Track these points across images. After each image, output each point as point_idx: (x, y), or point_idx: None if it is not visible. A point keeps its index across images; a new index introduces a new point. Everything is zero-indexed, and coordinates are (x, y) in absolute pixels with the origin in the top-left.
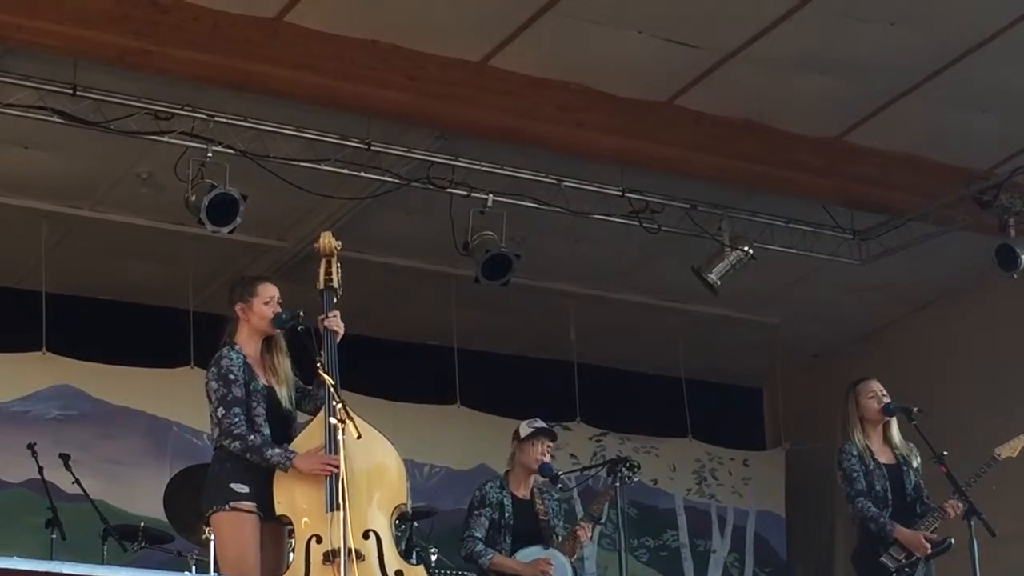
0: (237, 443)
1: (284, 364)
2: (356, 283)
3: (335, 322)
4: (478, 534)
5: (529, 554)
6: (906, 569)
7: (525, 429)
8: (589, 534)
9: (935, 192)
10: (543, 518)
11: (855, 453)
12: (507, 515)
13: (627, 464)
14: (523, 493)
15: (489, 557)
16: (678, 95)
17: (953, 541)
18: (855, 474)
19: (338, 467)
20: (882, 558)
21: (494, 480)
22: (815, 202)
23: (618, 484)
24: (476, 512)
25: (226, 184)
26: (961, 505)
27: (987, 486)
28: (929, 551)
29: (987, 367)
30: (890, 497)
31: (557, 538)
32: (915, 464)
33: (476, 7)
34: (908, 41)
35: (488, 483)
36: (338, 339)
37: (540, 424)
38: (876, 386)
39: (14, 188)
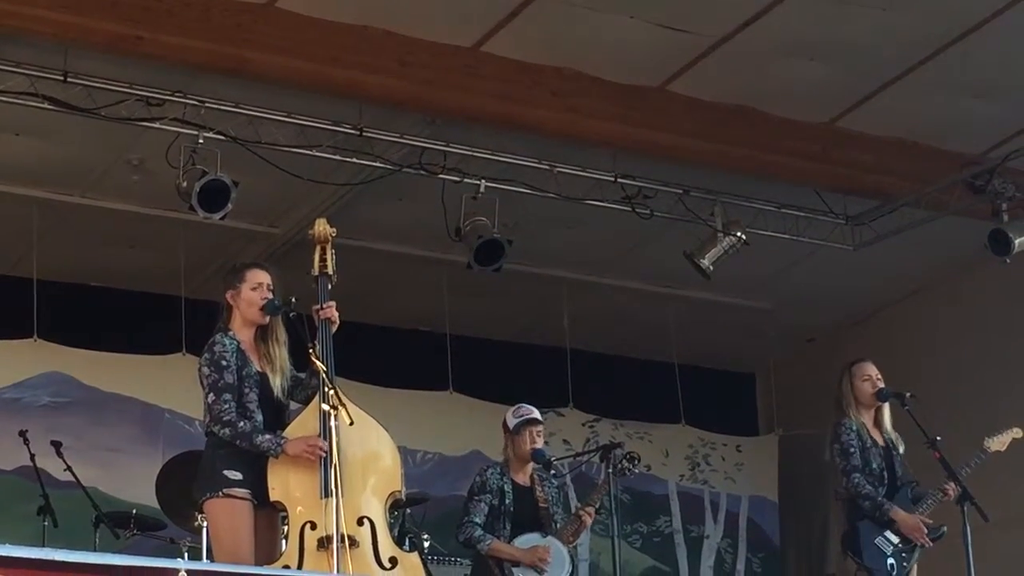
0: (227, 430)
1: (281, 353)
2: (348, 269)
3: (331, 312)
4: (477, 520)
5: (527, 541)
6: (903, 554)
7: (512, 420)
8: (593, 517)
9: (928, 177)
10: (543, 505)
11: (854, 428)
12: (507, 501)
13: (627, 456)
14: (523, 480)
15: (488, 543)
16: (671, 80)
17: (946, 529)
18: (852, 449)
19: (326, 451)
20: (876, 541)
21: (495, 466)
22: (808, 187)
23: (611, 471)
24: (476, 498)
25: (217, 170)
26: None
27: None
28: (929, 542)
29: (980, 351)
30: (886, 476)
31: (556, 525)
32: (901, 450)
33: None
34: (900, 26)
35: (489, 469)
36: (334, 329)
37: (524, 413)
38: (872, 369)
39: (5, 175)
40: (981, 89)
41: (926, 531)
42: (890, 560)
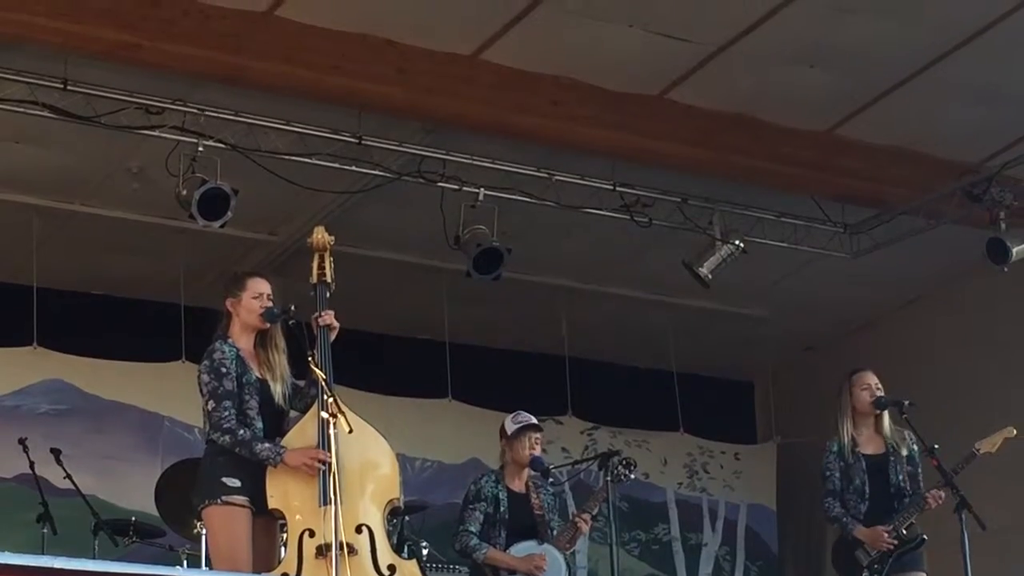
0: (226, 437)
1: (280, 360)
2: (347, 277)
3: (329, 319)
4: (472, 528)
5: (523, 549)
6: (876, 565)
7: (510, 426)
8: (589, 524)
9: (926, 186)
10: (538, 512)
11: (835, 450)
12: (502, 509)
13: (623, 462)
14: (518, 487)
15: (483, 551)
16: (669, 89)
17: (925, 538)
18: (828, 473)
19: (326, 462)
20: (856, 554)
21: (489, 474)
22: (806, 196)
23: (609, 478)
24: (471, 506)
25: (217, 178)
26: (943, 495)
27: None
28: (891, 545)
29: (977, 360)
30: (868, 490)
31: (552, 533)
32: (905, 453)
33: (467, 1)
34: (899, 34)
35: (483, 477)
36: (332, 337)
37: (524, 419)
38: (871, 378)
39: (5, 183)
40: (979, 97)
41: (887, 537)
42: (865, 572)
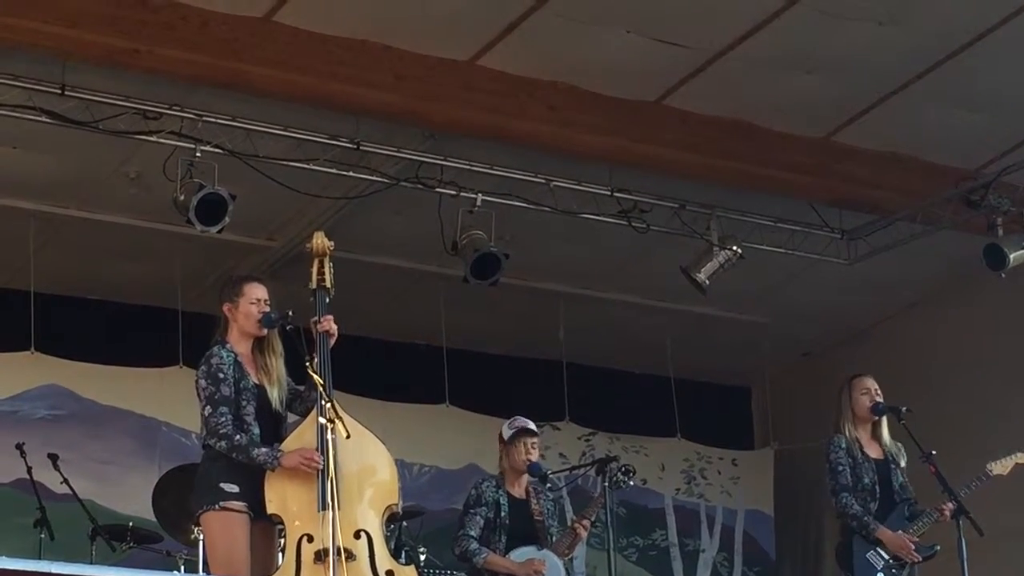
0: (223, 443)
1: (277, 365)
2: (345, 283)
3: (329, 325)
4: (472, 533)
5: (523, 554)
6: (893, 570)
7: (507, 431)
8: (588, 530)
9: (923, 192)
10: (538, 518)
11: (843, 446)
12: (503, 515)
13: (622, 469)
14: (519, 493)
15: (483, 556)
16: (667, 95)
17: (939, 548)
18: (841, 467)
19: (319, 463)
20: (868, 555)
21: (490, 479)
22: (804, 201)
23: (607, 484)
24: (471, 511)
25: (215, 184)
26: (952, 506)
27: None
28: (918, 558)
29: (975, 366)
30: (878, 491)
31: (551, 538)
32: (902, 464)
33: (464, 7)
34: (896, 41)
35: (484, 482)
36: (332, 342)
37: (520, 424)
38: (871, 383)
39: (2, 187)
40: (977, 104)
41: (913, 548)
42: (880, 574)
